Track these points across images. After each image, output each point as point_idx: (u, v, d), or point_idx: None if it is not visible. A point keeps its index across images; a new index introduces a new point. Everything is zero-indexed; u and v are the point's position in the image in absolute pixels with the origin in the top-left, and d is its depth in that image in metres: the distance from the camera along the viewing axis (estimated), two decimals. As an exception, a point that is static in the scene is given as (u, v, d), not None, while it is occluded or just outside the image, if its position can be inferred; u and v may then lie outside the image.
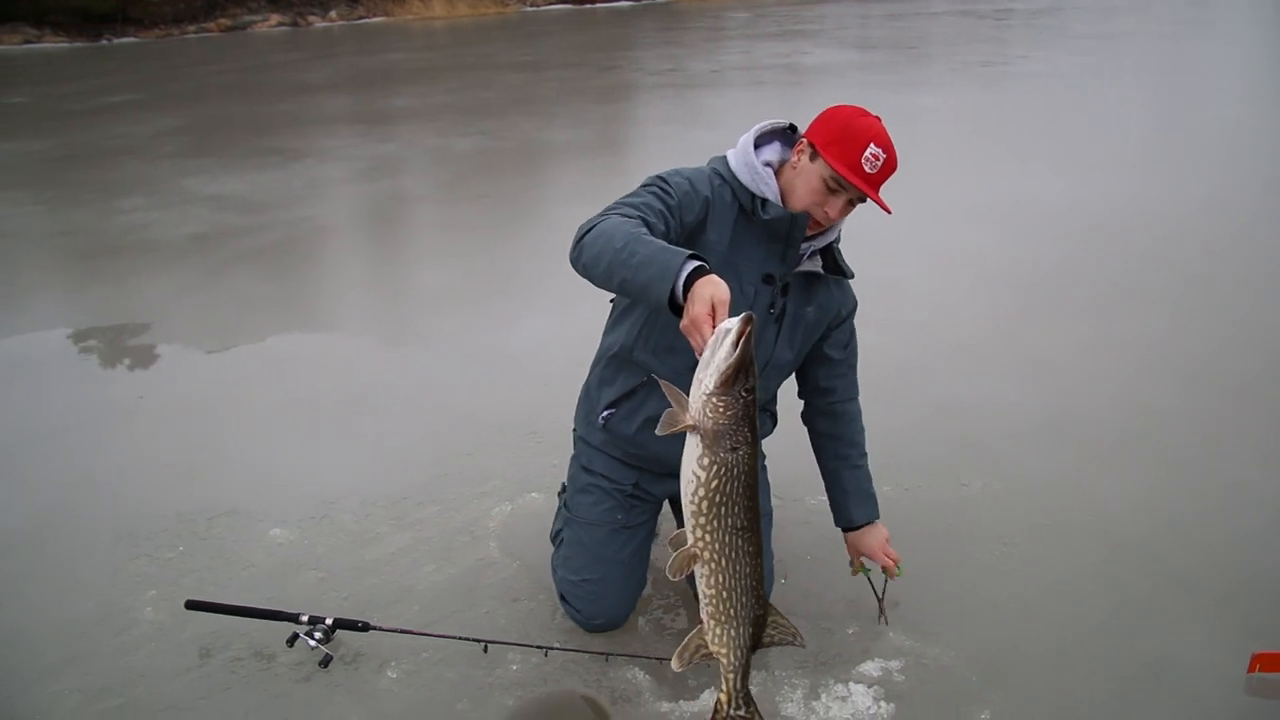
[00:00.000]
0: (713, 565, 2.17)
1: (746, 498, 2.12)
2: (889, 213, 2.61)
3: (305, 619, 2.94)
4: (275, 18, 36.99)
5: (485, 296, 6.17)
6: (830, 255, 2.79)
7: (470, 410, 4.52)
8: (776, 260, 2.65)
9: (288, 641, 2.91)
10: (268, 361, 5.30)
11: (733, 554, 2.15)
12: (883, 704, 2.76)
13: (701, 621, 2.26)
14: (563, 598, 3.05)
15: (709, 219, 2.59)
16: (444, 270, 6.77)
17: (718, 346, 2.00)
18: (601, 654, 2.90)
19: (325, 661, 2.88)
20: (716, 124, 11.75)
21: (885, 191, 2.60)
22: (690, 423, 2.06)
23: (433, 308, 6.04)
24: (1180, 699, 2.78)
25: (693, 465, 2.09)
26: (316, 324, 5.85)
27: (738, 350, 1.97)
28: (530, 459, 4.03)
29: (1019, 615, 3.09)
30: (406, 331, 5.68)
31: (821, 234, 2.71)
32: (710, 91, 14.53)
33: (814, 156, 2.56)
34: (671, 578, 2.20)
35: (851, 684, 2.82)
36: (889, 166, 2.54)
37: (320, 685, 2.86)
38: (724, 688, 2.29)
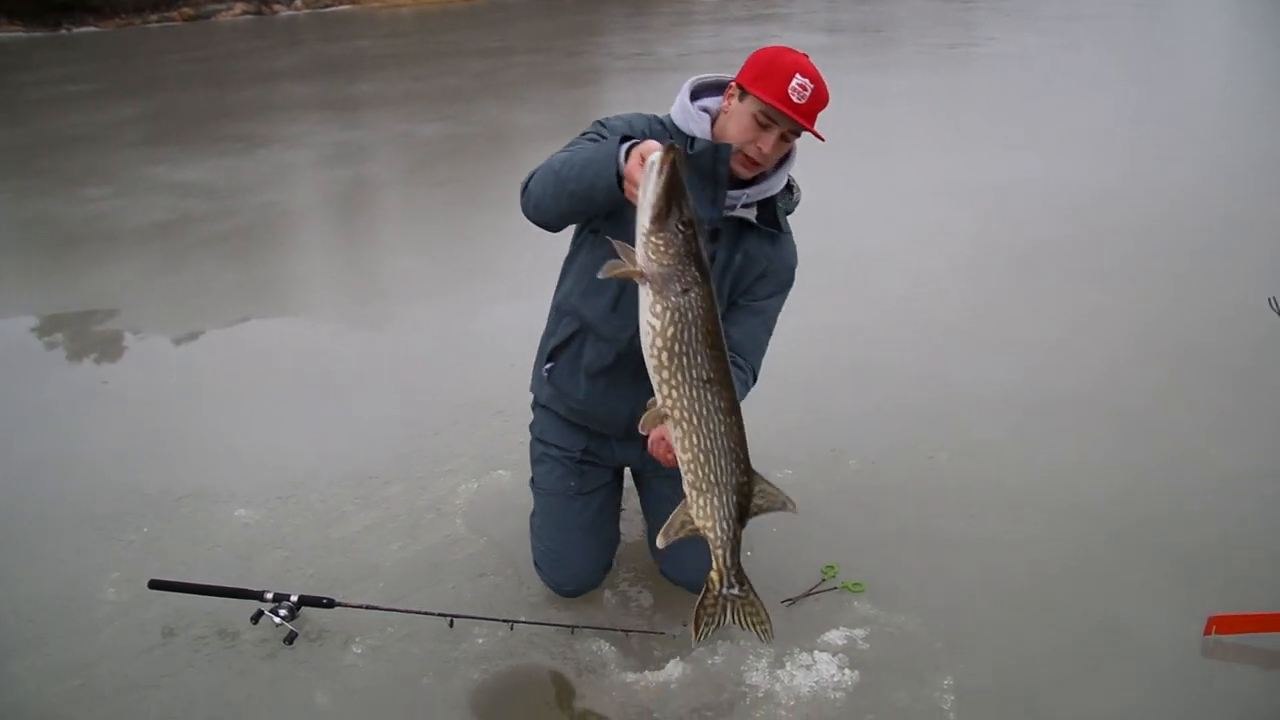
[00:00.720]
0: (685, 425, 2.14)
1: (708, 346, 2.08)
2: (822, 140, 2.59)
3: (270, 596, 2.93)
4: (240, 6, 36.52)
5: (451, 280, 6.15)
6: (769, 209, 2.73)
7: (437, 391, 4.51)
8: (707, 203, 2.59)
9: (252, 619, 2.90)
10: (234, 346, 5.27)
11: (703, 410, 2.12)
12: (847, 671, 2.78)
13: (685, 495, 2.23)
14: (536, 565, 3.07)
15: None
16: (410, 254, 6.74)
17: (646, 184, 2.00)
18: (567, 627, 2.91)
19: (290, 638, 2.87)
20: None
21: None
22: (636, 268, 2.04)
23: (399, 291, 6.01)
24: (1138, 662, 2.82)
25: (647, 316, 2.08)
26: (282, 308, 5.81)
27: (662, 178, 1.96)
28: (497, 437, 4.03)
29: (982, 584, 3.12)
30: (373, 315, 5.65)
31: (760, 183, 2.66)
32: (679, 75, 14.41)
33: (743, 96, 2.56)
34: (643, 430, 2.21)
35: (816, 652, 2.85)
36: (818, 97, 2.52)
37: (285, 661, 2.85)
38: (714, 565, 2.26)
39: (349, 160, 10.13)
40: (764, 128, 2.53)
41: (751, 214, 2.71)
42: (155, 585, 2.99)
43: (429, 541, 3.38)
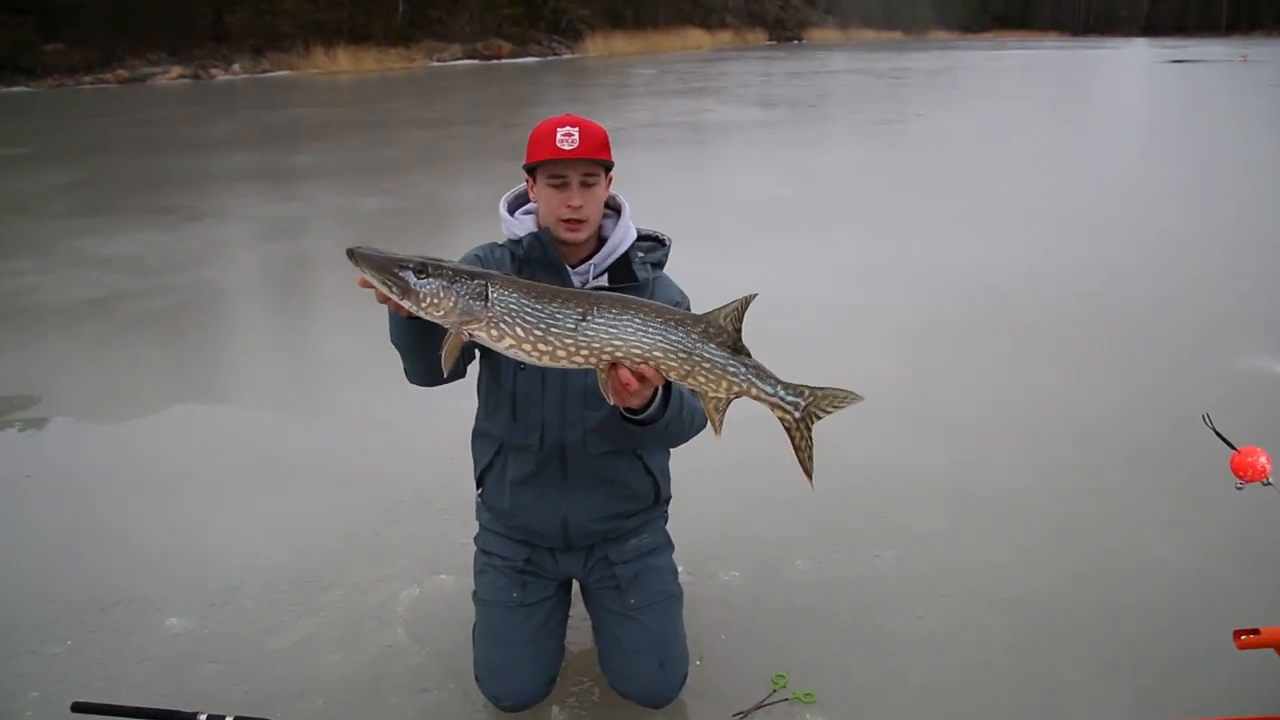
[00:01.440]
0: (616, 352, 2.19)
1: (542, 298, 2.19)
2: (608, 160, 2.68)
3: (203, 718, 2.80)
4: (176, 70, 36.32)
5: (389, 364, 6.01)
6: (622, 268, 2.76)
7: (376, 485, 4.41)
8: None
9: (184, 743, 2.77)
10: (163, 434, 5.12)
11: (614, 329, 2.17)
12: (801, 787, 2.73)
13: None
14: (477, 678, 2.99)
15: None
16: (346, 336, 6.63)
17: (379, 289, 2.18)
18: (512, 746, 2.83)
19: (224, 764, 2.74)
20: (624, 183, 11.79)
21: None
22: (451, 331, 2.19)
23: (334, 376, 5.91)
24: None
25: (501, 347, 2.21)
26: (213, 394, 5.68)
27: (367, 272, 2.16)
28: (439, 537, 3.94)
29: (936, 693, 3.09)
30: (307, 401, 5.55)
31: (601, 251, 2.74)
32: (618, 150, 14.57)
33: (534, 177, 2.70)
34: (610, 398, 2.24)
35: (769, 767, 2.79)
36: (588, 133, 2.62)
37: (218, 790, 2.72)
38: (766, 403, 2.25)
39: (285, 235, 10.05)
40: (559, 188, 2.63)
41: (603, 281, 2.76)
42: (78, 708, 2.84)
43: (370, 653, 3.27)
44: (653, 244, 2.90)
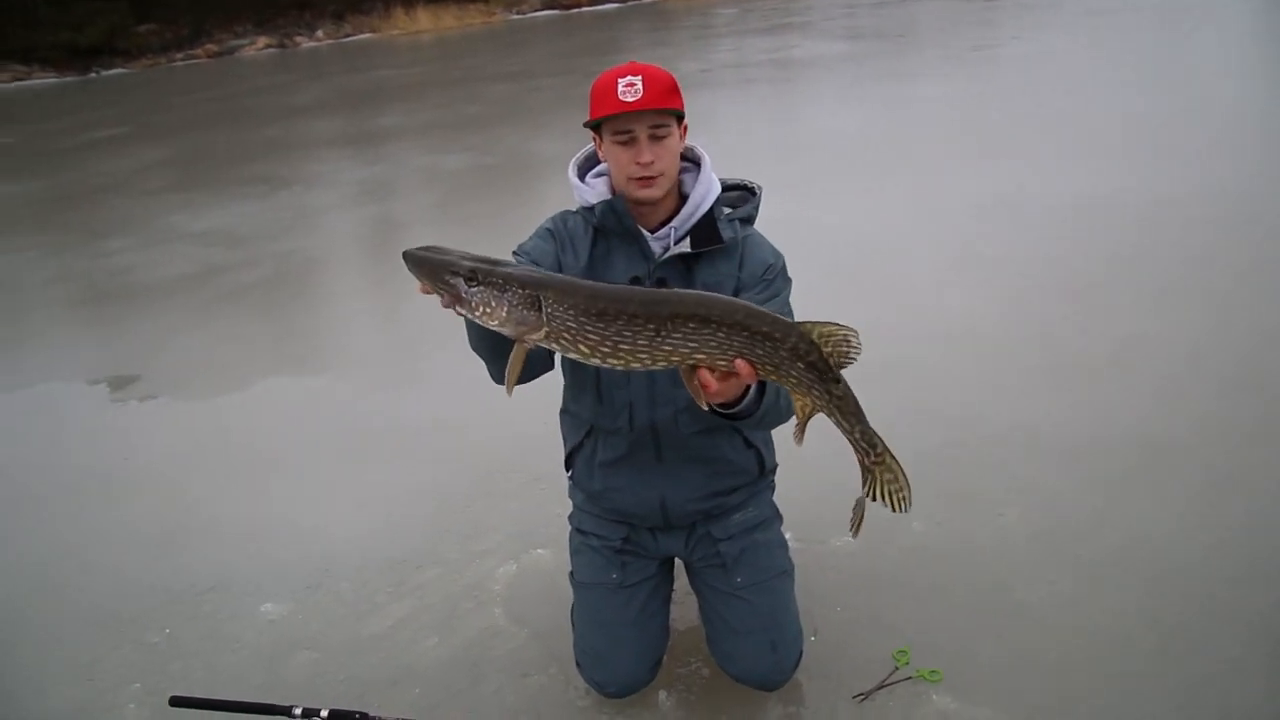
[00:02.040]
0: (699, 356, 2.11)
1: (610, 309, 2.09)
2: (677, 109, 2.43)
3: (299, 712, 2.71)
4: (263, 40, 36.77)
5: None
6: (706, 229, 2.52)
7: (471, 455, 4.29)
8: (639, 260, 2.52)
9: (280, 738, 2.68)
10: (257, 410, 5.08)
11: (692, 341, 2.09)
12: (929, 774, 2.53)
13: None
14: (578, 664, 2.83)
15: (563, 249, 2.59)
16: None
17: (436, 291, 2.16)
18: (619, 734, 2.67)
19: (321, 759, 2.65)
20: (709, 125, 11.49)
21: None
22: (518, 339, 2.13)
23: (426, 342, 5.78)
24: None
25: (567, 355, 2.17)
26: (306, 365, 5.63)
27: (422, 279, 2.16)
28: (535, 509, 3.80)
29: (1068, 666, 2.85)
30: (398, 369, 5.45)
31: (681, 212, 2.53)
32: (702, 92, 14.27)
33: (599, 136, 2.50)
34: (700, 393, 2.16)
35: (893, 752, 2.59)
36: (652, 81, 2.39)
37: (317, 786, 2.63)
38: (841, 430, 2.21)
39: (372, 198, 10.01)
40: (627, 144, 2.42)
41: (685, 245, 2.52)
42: (176, 702, 2.78)
43: (467, 635, 3.15)
44: (740, 194, 2.64)
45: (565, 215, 2.64)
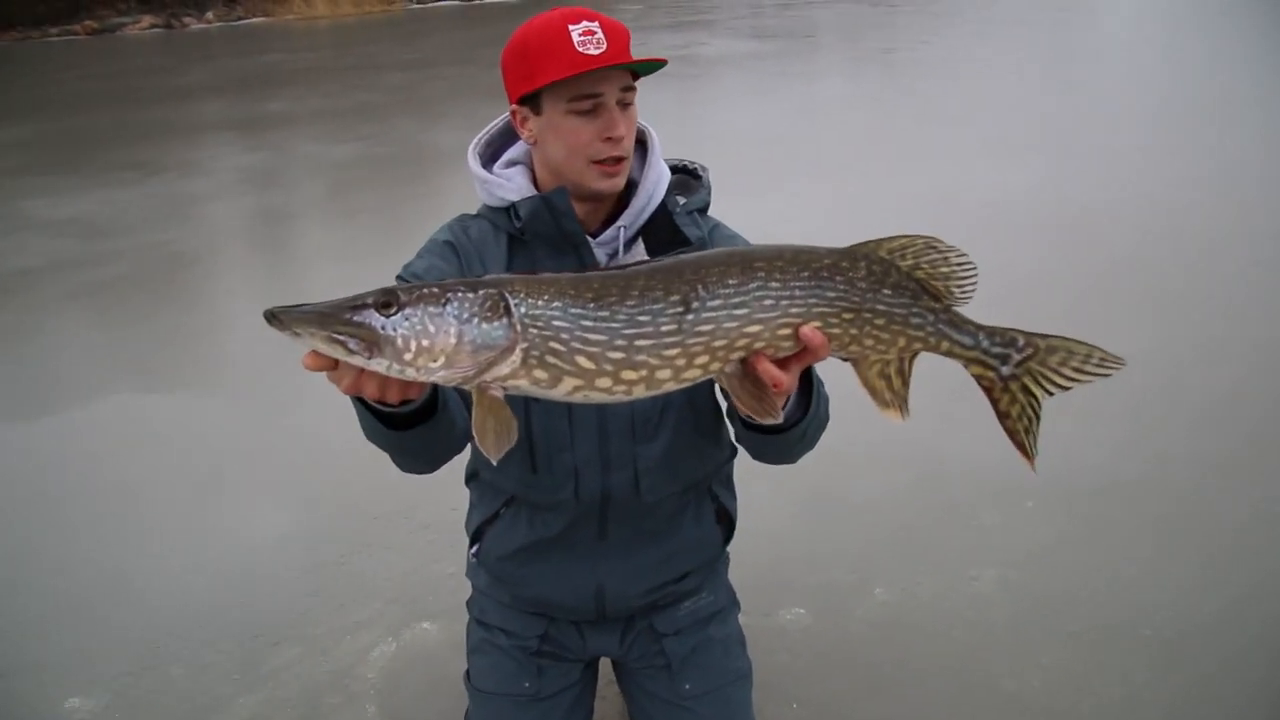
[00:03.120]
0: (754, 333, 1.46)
1: (594, 304, 1.42)
2: (664, 62, 1.85)
3: None
4: (147, 19, 34.98)
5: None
6: (662, 227, 1.91)
7: (346, 496, 3.66)
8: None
9: None
10: (96, 434, 4.37)
11: (743, 308, 1.44)
12: None
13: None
14: None
15: (468, 265, 1.92)
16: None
17: (329, 354, 1.42)
18: None
19: None
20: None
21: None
22: (470, 385, 1.42)
23: (298, 358, 5.09)
24: None
25: (566, 399, 1.47)
26: (162, 380, 4.89)
27: (314, 339, 1.39)
28: (421, 565, 3.21)
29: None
30: (275, 387, 4.74)
31: (631, 206, 1.89)
32: (608, 87, 13.72)
33: (537, 108, 1.83)
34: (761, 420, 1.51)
35: None
36: (613, 30, 1.77)
37: None
38: (967, 362, 1.56)
39: (253, 187, 9.22)
40: (591, 113, 1.78)
41: (639, 250, 1.91)
42: None
43: (329, 738, 2.52)
44: (682, 178, 2.05)
45: (464, 221, 1.98)
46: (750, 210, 7.49)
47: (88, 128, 13.45)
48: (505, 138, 2.01)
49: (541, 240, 1.86)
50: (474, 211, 1.99)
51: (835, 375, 1.74)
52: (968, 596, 2.98)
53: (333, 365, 1.41)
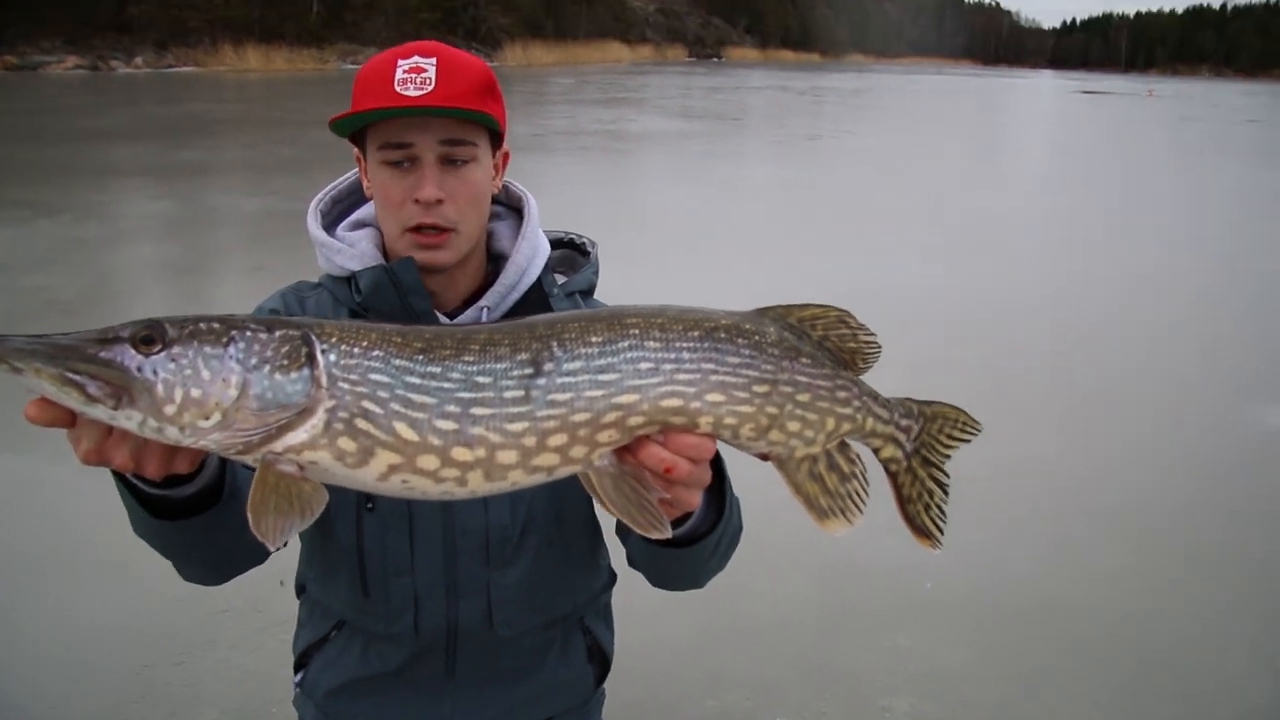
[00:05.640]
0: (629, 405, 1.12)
1: (422, 357, 1.09)
2: (485, 114, 1.45)
3: None
4: (73, 59, 34.34)
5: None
6: (535, 308, 1.57)
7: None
8: None
9: None
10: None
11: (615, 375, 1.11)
12: None
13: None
14: None
15: None
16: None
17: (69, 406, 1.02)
18: None
19: None
20: (536, 189, 10.68)
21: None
22: (248, 457, 1.06)
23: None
24: None
25: (377, 487, 1.09)
26: (14, 439, 4.44)
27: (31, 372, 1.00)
28: (268, 673, 2.86)
29: None
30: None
31: (498, 284, 1.58)
32: (531, 155, 13.61)
33: (364, 152, 1.52)
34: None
35: None
36: (454, 70, 1.45)
37: None
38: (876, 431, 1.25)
39: (150, 237, 8.84)
40: (400, 165, 1.46)
41: None
42: None
43: None
44: (566, 253, 1.76)
45: (301, 290, 1.64)
46: (663, 284, 7.38)
47: (-14, 164, 12.92)
48: (356, 193, 1.68)
49: (385, 319, 1.46)
50: (315, 280, 1.65)
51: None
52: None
53: (70, 419, 1.04)
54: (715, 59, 73.94)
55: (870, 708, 2.79)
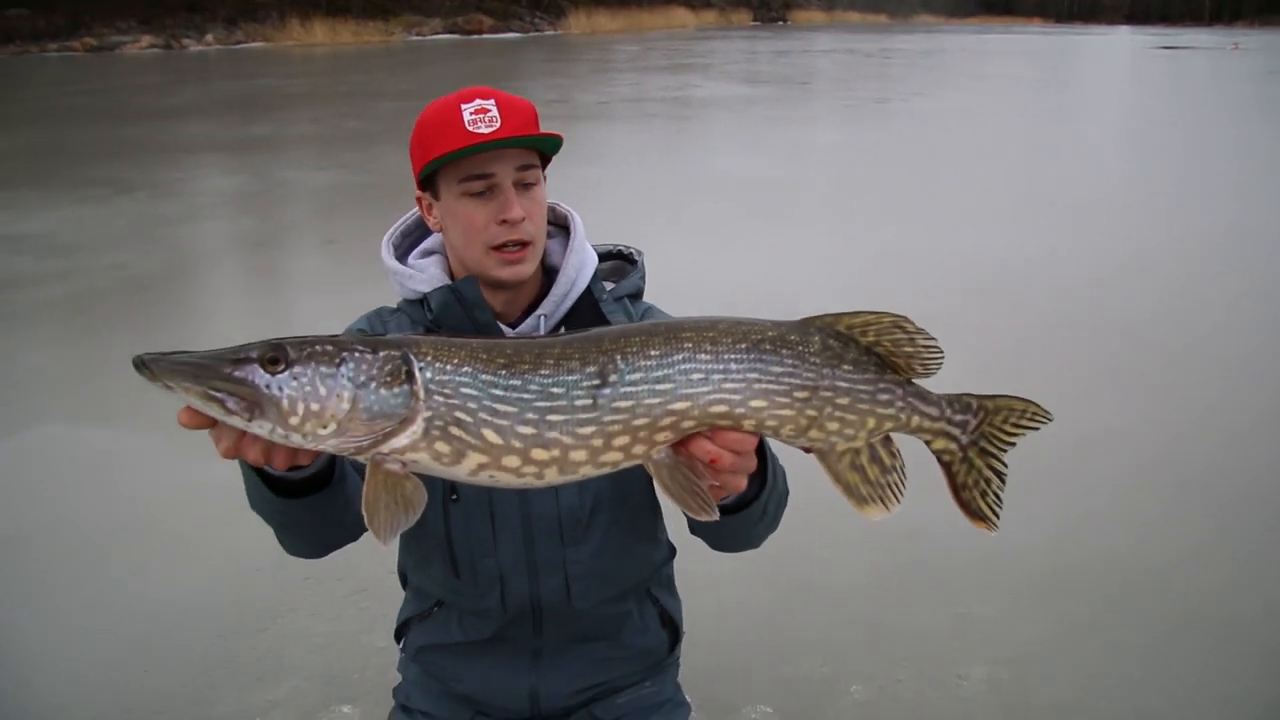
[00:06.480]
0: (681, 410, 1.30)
1: (505, 371, 1.27)
2: (559, 139, 1.71)
3: None
4: (147, 39, 35.02)
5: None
6: (587, 313, 1.79)
7: (274, 550, 3.30)
8: None
9: None
10: (12, 471, 4.01)
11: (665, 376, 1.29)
12: None
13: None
14: None
15: None
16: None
17: (208, 413, 1.23)
18: None
19: None
20: (602, 157, 10.78)
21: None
22: (362, 457, 1.26)
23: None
24: None
25: (468, 479, 1.29)
26: (94, 411, 4.58)
27: (189, 394, 1.21)
28: (348, 637, 2.90)
29: None
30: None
31: (552, 294, 1.76)
32: (598, 124, 13.56)
33: (435, 191, 1.72)
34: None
35: None
36: (510, 108, 1.66)
37: None
38: (925, 436, 1.40)
39: (224, 212, 8.98)
40: (482, 195, 1.66)
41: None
42: None
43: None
44: (616, 264, 1.93)
45: (383, 315, 1.85)
46: (731, 253, 7.31)
47: (66, 142, 13.22)
48: (422, 227, 1.88)
49: (455, 328, 1.71)
50: (394, 305, 1.87)
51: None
52: (954, 698, 2.67)
53: (212, 423, 1.25)
54: (780, 22, 72.90)
55: (946, 676, 2.74)
